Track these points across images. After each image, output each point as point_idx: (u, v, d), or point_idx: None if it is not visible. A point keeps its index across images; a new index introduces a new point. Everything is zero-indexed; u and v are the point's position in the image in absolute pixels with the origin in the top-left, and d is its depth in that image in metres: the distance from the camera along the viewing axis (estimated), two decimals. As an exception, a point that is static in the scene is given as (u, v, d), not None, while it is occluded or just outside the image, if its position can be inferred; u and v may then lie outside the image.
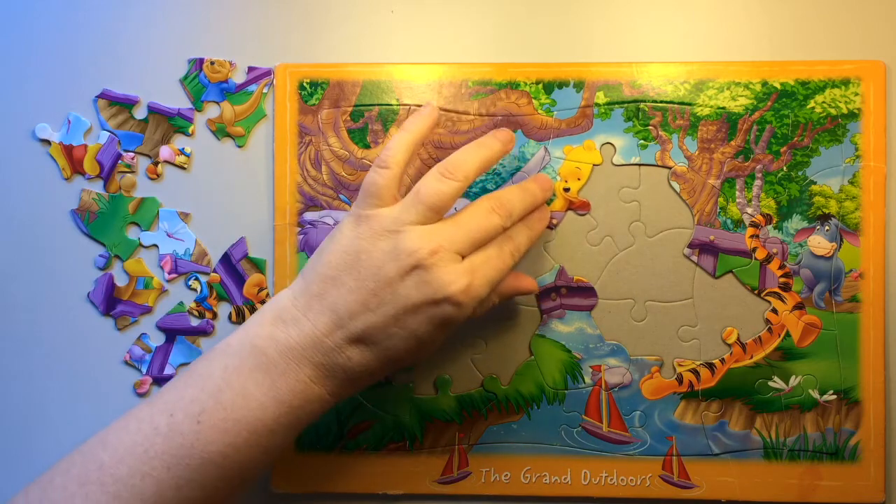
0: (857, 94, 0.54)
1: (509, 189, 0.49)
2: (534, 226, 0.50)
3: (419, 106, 0.55)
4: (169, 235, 0.56)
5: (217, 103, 0.56)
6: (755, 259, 0.54)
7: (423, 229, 0.45)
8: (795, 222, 0.54)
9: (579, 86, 0.54)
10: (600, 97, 0.54)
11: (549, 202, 0.54)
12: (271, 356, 0.44)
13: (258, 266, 0.56)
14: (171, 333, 0.56)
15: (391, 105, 0.55)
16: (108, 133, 0.56)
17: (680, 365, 0.54)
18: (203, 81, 0.56)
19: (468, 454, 0.54)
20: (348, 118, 0.55)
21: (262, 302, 0.55)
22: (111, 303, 0.56)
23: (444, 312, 0.44)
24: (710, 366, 0.54)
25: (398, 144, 0.47)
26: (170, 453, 0.43)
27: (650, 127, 0.54)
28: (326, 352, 0.45)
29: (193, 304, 0.56)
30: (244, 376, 0.44)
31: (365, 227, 0.45)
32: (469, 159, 0.47)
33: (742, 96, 0.54)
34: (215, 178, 0.56)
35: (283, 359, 0.44)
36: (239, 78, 0.56)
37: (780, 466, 0.54)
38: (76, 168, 0.56)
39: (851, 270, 0.54)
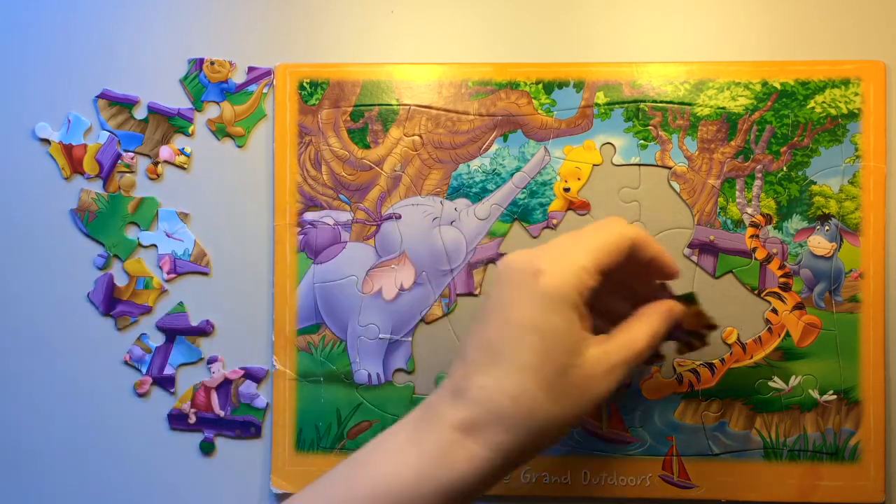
0: (857, 94, 0.54)
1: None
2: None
3: (419, 106, 0.55)
4: (168, 235, 0.56)
5: (217, 103, 0.56)
6: (755, 259, 0.54)
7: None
8: (795, 222, 0.54)
9: (579, 86, 0.54)
10: (600, 97, 0.54)
11: (549, 201, 0.54)
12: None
13: None
14: (171, 333, 0.56)
15: (391, 105, 0.55)
16: (108, 133, 0.56)
17: (680, 365, 0.54)
18: (203, 81, 0.56)
19: (468, 454, 0.54)
20: (348, 118, 0.55)
21: (262, 302, 0.55)
22: (111, 303, 0.56)
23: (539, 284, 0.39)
24: (710, 366, 0.54)
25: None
26: None
27: (650, 127, 0.54)
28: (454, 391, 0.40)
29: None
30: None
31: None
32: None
33: (742, 96, 0.54)
34: (215, 178, 0.56)
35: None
36: (239, 78, 0.56)
37: (780, 466, 0.54)
38: (76, 168, 0.56)
39: (851, 270, 0.54)
